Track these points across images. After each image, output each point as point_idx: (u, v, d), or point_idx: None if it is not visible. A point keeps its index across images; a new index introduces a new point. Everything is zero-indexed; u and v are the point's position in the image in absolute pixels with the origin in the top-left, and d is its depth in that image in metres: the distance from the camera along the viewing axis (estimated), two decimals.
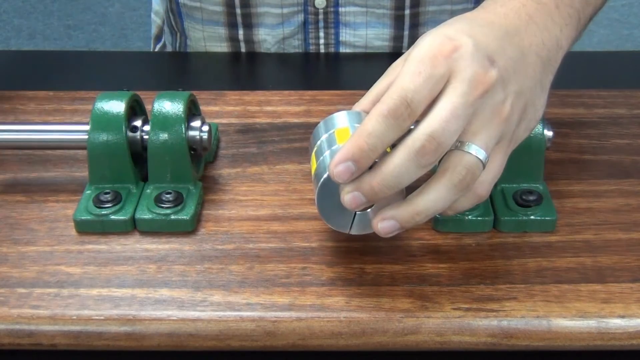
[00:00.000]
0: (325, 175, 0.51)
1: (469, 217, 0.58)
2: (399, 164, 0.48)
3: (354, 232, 0.53)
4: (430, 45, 0.49)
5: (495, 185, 0.60)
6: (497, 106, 0.50)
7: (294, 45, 0.91)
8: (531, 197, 0.59)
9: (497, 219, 0.58)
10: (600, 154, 0.67)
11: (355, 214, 0.52)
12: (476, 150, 0.49)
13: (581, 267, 0.55)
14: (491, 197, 0.60)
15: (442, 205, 0.50)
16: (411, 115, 0.48)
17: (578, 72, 0.85)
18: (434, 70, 0.48)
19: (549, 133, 0.59)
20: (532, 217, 0.58)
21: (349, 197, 0.50)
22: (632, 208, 0.60)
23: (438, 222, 0.58)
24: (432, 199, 0.49)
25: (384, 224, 0.50)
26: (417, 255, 0.56)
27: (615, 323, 0.51)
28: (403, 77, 0.48)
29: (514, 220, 0.58)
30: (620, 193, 0.62)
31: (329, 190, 0.51)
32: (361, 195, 0.49)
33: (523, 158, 0.59)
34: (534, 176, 0.60)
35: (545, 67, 0.54)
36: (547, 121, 0.59)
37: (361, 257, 0.56)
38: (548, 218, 0.58)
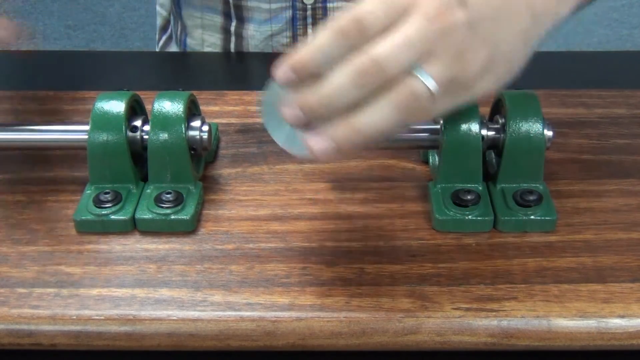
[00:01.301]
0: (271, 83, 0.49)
1: (469, 217, 0.58)
2: (336, 82, 0.46)
3: (286, 147, 0.50)
4: None
5: (495, 185, 0.60)
6: (457, 48, 0.48)
7: (282, 43, 0.91)
8: (531, 197, 0.59)
9: (497, 219, 0.58)
10: (600, 154, 0.67)
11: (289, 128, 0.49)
12: (426, 77, 0.47)
13: (581, 267, 0.55)
14: (491, 197, 0.60)
15: (382, 125, 0.47)
16: (362, 33, 0.46)
17: (578, 72, 0.85)
18: None
19: (549, 133, 0.59)
20: (532, 217, 0.58)
21: (288, 111, 0.48)
22: (632, 208, 0.61)
23: (438, 222, 0.58)
24: (373, 118, 0.47)
25: (318, 141, 0.48)
26: (417, 255, 0.56)
27: (615, 323, 0.51)
28: (360, 2, 0.47)
29: (514, 220, 0.58)
30: (620, 193, 0.62)
31: (270, 99, 0.50)
32: (299, 111, 0.47)
33: (523, 158, 0.59)
34: (534, 176, 0.60)
35: (535, 21, 0.52)
36: (547, 121, 0.59)
37: (361, 257, 0.56)
38: (548, 218, 0.58)
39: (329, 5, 0.88)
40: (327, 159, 0.48)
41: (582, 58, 0.93)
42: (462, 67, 0.48)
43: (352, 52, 0.47)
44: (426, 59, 0.47)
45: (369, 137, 0.48)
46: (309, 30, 0.89)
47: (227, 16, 0.90)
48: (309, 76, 0.47)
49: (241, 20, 0.90)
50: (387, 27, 0.47)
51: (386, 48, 0.46)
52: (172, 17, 1.01)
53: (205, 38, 0.94)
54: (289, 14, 0.88)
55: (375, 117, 0.47)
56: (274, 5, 0.88)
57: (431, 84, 0.47)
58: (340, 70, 0.47)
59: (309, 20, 0.89)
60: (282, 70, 0.47)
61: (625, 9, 2.56)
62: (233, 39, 0.92)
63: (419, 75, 0.47)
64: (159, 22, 1.07)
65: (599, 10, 2.53)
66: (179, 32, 0.98)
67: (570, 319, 0.51)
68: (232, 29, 0.91)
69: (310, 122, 0.48)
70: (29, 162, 0.67)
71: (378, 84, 0.47)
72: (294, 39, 0.90)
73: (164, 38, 1.05)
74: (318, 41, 0.47)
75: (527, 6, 0.51)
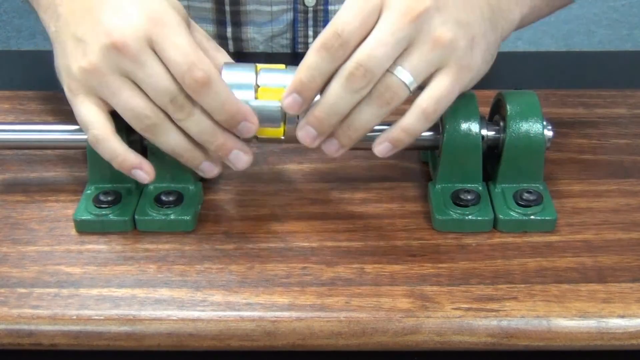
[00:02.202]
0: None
1: (469, 217, 0.58)
2: (333, 92, 0.53)
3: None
4: None
5: (495, 185, 0.60)
6: (433, 31, 0.52)
7: (282, 45, 0.91)
8: (531, 197, 0.59)
9: (497, 219, 0.58)
10: (600, 153, 0.67)
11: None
12: (400, 71, 0.52)
13: (581, 267, 0.55)
14: (491, 197, 0.60)
15: (372, 121, 0.54)
16: (343, 44, 0.52)
17: (578, 72, 0.85)
18: (366, 4, 0.52)
19: (549, 133, 0.59)
20: (532, 217, 0.58)
21: (301, 133, 0.55)
22: (632, 208, 0.61)
23: (438, 222, 0.58)
24: (365, 117, 0.53)
25: (329, 145, 0.55)
26: (417, 255, 0.56)
27: (615, 323, 0.51)
28: (338, 13, 0.52)
29: (514, 220, 0.58)
30: (620, 193, 0.62)
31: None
32: (310, 128, 0.54)
33: (523, 158, 0.59)
34: (534, 176, 0.60)
35: (494, 11, 0.58)
36: (547, 121, 0.59)
37: (361, 257, 0.56)
38: (548, 218, 0.58)
39: (330, 7, 0.88)
40: (338, 155, 0.56)
41: (582, 58, 0.93)
42: (445, 47, 0.53)
43: (340, 62, 0.52)
44: (406, 51, 0.52)
45: (366, 132, 0.55)
46: (310, 33, 0.89)
47: (221, 23, 0.90)
48: (312, 94, 0.53)
49: (238, 25, 0.90)
50: (365, 31, 0.52)
51: (366, 51, 0.51)
52: None
53: None
54: (290, 16, 0.88)
55: (367, 115, 0.54)
56: (275, 8, 0.88)
57: (406, 77, 0.53)
58: (334, 81, 0.52)
59: (310, 22, 0.89)
60: (289, 98, 0.54)
61: (625, 9, 2.57)
62: (231, 43, 0.91)
63: (394, 72, 0.52)
64: None
65: (599, 10, 2.53)
66: None
67: (571, 319, 0.51)
68: (229, 34, 0.91)
69: (322, 133, 0.54)
70: (29, 162, 0.67)
71: (368, 85, 0.52)
72: (295, 41, 0.90)
73: None
74: (307, 61, 0.53)
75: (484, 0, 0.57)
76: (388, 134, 0.55)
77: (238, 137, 0.56)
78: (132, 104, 0.54)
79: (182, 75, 0.52)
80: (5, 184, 0.64)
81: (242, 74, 0.56)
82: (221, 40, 0.91)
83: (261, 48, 0.90)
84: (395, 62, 0.52)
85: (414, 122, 0.54)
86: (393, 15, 0.52)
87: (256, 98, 0.56)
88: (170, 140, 0.55)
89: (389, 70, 0.52)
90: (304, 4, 0.87)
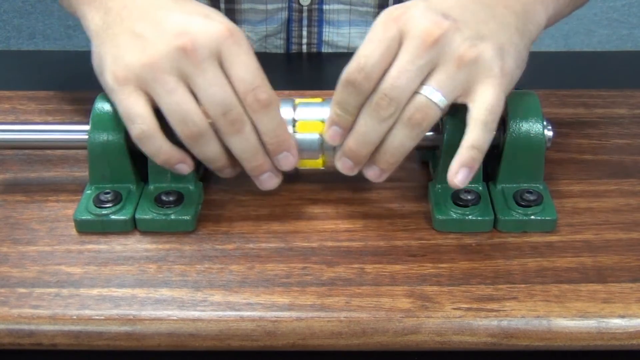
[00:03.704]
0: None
1: (469, 217, 0.58)
2: (363, 122, 0.55)
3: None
4: (384, 13, 0.55)
5: (496, 185, 0.60)
6: (456, 51, 0.53)
7: (276, 45, 0.91)
8: (531, 197, 0.59)
9: (497, 219, 0.58)
10: (601, 154, 0.67)
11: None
12: (428, 90, 0.54)
13: (581, 267, 0.55)
14: (491, 197, 0.60)
15: (408, 143, 0.55)
16: (367, 78, 0.53)
17: (578, 72, 0.85)
18: (385, 35, 0.53)
19: (549, 133, 0.59)
20: (532, 217, 0.58)
21: (339, 163, 0.58)
22: (632, 208, 0.61)
23: (438, 222, 0.58)
24: (399, 141, 0.55)
25: (371, 172, 0.58)
26: (417, 255, 0.56)
27: (616, 323, 0.51)
28: (360, 47, 0.54)
29: (514, 220, 0.58)
30: (621, 193, 0.62)
31: None
32: (346, 158, 0.57)
33: (523, 158, 0.59)
34: (534, 176, 0.60)
35: (519, 17, 0.58)
36: (547, 121, 0.59)
37: (361, 257, 0.56)
38: (548, 218, 0.58)
39: (325, 7, 0.88)
40: (382, 180, 0.58)
41: (582, 58, 0.93)
42: (473, 62, 0.54)
43: (367, 94, 0.54)
44: (433, 71, 0.54)
45: (403, 155, 0.56)
46: (304, 33, 0.89)
47: None
48: (350, 125, 0.55)
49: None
50: (387, 61, 0.53)
51: (389, 81, 0.53)
52: None
53: None
54: (284, 15, 0.88)
55: (400, 139, 0.55)
56: (270, 6, 0.88)
57: (435, 96, 0.54)
58: (363, 113, 0.55)
59: (305, 22, 0.89)
60: (331, 132, 0.56)
61: (625, 9, 2.56)
62: None
63: (421, 92, 0.54)
64: None
65: (599, 10, 2.53)
66: None
67: (571, 319, 0.51)
68: None
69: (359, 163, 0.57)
70: (29, 162, 0.67)
71: (396, 112, 0.54)
72: (289, 41, 0.90)
73: None
74: (336, 97, 0.55)
75: (507, 7, 0.58)
76: (459, 159, 0.54)
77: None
78: (183, 107, 0.54)
79: (245, 92, 0.54)
80: (5, 184, 0.64)
81: (281, 109, 0.57)
82: None
83: (255, 48, 0.90)
84: (423, 83, 0.54)
85: (479, 135, 0.54)
86: (412, 44, 0.53)
87: (295, 132, 0.58)
88: (208, 151, 0.56)
89: (417, 92, 0.54)
90: (299, 3, 0.87)
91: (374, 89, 0.54)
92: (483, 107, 0.54)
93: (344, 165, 0.57)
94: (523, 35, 0.58)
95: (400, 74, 0.53)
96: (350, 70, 0.54)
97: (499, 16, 0.57)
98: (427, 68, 0.53)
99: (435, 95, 0.53)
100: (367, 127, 0.55)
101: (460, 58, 0.53)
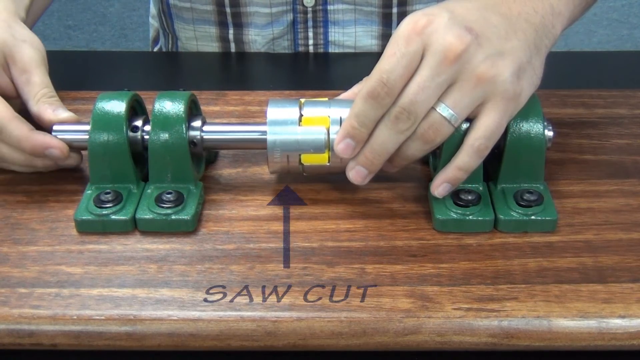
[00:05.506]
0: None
1: (470, 217, 0.58)
2: (381, 134, 0.56)
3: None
4: (406, 24, 0.55)
5: (496, 185, 0.60)
6: (475, 68, 0.54)
7: (283, 46, 0.91)
8: (532, 197, 0.59)
9: (497, 219, 0.58)
10: (601, 154, 0.67)
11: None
12: (443, 108, 0.55)
13: (582, 267, 0.55)
14: (492, 197, 0.60)
15: (416, 155, 0.57)
16: (389, 93, 0.54)
17: (578, 72, 0.85)
18: (408, 48, 0.54)
19: (549, 133, 0.59)
20: (532, 217, 0.58)
21: (352, 172, 0.58)
22: (632, 208, 0.61)
23: (438, 222, 0.58)
24: (410, 151, 0.57)
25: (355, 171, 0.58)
26: (417, 255, 0.56)
27: (616, 323, 0.51)
28: (381, 60, 0.54)
29: (514, 220, 0.58)
30: (621, 193, 0.62)
31: None
32: (361, 167, 0.57)
33: (524, 158, 0.59)
34: (534, 176, 0.60)
35: (538, 32, 0.58)
36: (547, 121, 0.59)
37: (361, 257, 0.56)
38: (549, 218, 0.58)
39: (329, 7, 0.88)
40: (366, 181, 0.59)
41: (582, 58, 0.93)
42: (488, 82, 0.54)
43: (387, 108, 0.55)
44: (450, 88, 0.54)
45: (411, 162, 0.59)
46: (310, 34, 0.90)
47: (223, 25, 0.90)
48: (364, 138, 0.56)
49: (239, 27, 0.90)
50: (408, 75, 0.54)
51: (408, 96, 0.54)
52: (161, 31, 1.00)
53: (202, 49, 0.93)
54: (289, 17, 0.88)
55: (412, 150, 0.57)
56: (274, 9, 0.88)
57: (449, 114, 0.55)
58: (382, 124, 0.55)
59: (310, 23, 0.89)
60: (342, 144, 0.57)
61: (625, 9, 2.57)
62: (233, 45, 0.91)
63: (437, 109, 0.55)
64: (152, 33, 1.06)
65: (599, 10, 2.53)
66: (170, 46, 0.98)
67: (571, 319, 0.51)
68: (231, 36, 0.91)
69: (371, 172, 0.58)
70: None
71: (413, 126, 0.55)
72: (295, 42, 0.90)
73: (155, 49, 1.05)
74: (356, 109, 0.55)
75: (527, 22, 0.58)
76: (444, 174, 0.57)
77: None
78: None
79: None
80: (5, 184, 0.64)
81: (287, 109, 0.59)
82: (223, 42, 0.91)
83: (263, 50, 0.90)
84: (439, 99, 0.55)
85: (468, 160, 0.56)
86: (434, 59, 0.53)
87: (300, 125, 0.59)
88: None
89: (432, 108, 0.55)
90: (303, 5, 0.87)
91: (393, 102, 0.54)
92: (481, 133, 0.55)
93: (357, 174, 0.58)
94: (539, 51, 0.58)
95: (420, 90, 0.54)
96: (372, 84, 0.54)
97: (519, 31, 0.57)
98: (446, 84, 0.54)
99: (450, 113, 0.55)
100: (384, 138, 0.56)
101: (478, 77, 0.54)
